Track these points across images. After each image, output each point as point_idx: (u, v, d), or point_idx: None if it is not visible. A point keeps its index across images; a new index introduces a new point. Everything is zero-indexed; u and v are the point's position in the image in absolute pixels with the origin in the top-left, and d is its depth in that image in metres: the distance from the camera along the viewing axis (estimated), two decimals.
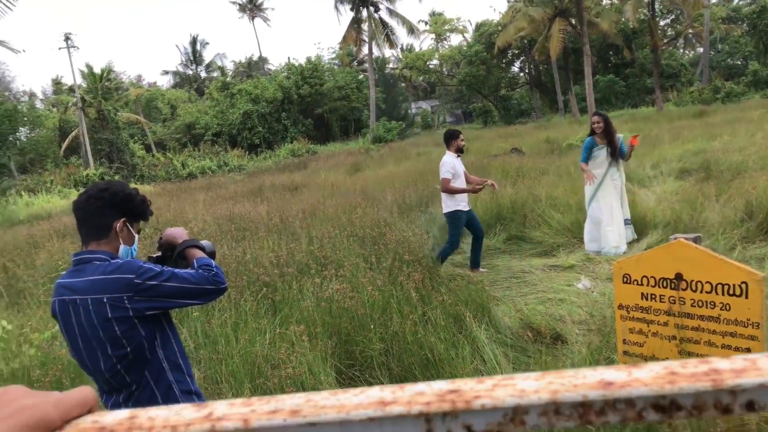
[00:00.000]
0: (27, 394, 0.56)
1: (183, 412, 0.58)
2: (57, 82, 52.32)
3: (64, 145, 38.61)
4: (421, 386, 0.58)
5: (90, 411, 0.59)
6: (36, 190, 26.33)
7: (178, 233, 2.53)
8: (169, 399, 2.31)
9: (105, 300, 2.17)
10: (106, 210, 2.27)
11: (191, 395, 2.39)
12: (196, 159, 36.24)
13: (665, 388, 0.53)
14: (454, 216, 7.03)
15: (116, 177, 31.14)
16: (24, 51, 50.82)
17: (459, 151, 7.17)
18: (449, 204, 7.03)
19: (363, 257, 6.50)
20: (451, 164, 6.96)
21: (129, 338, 2.22)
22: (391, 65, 58.33)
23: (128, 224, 2.31)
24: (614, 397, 0.54)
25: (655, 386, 0.54)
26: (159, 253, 2.53)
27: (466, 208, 7.08)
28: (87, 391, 0.60)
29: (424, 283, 5.72)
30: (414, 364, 4.41)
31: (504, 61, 50.08)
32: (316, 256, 6.72)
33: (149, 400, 2.30)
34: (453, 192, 6.93)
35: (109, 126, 36.05)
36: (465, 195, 7.04)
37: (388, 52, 58.30)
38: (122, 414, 0.58)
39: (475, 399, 0.55)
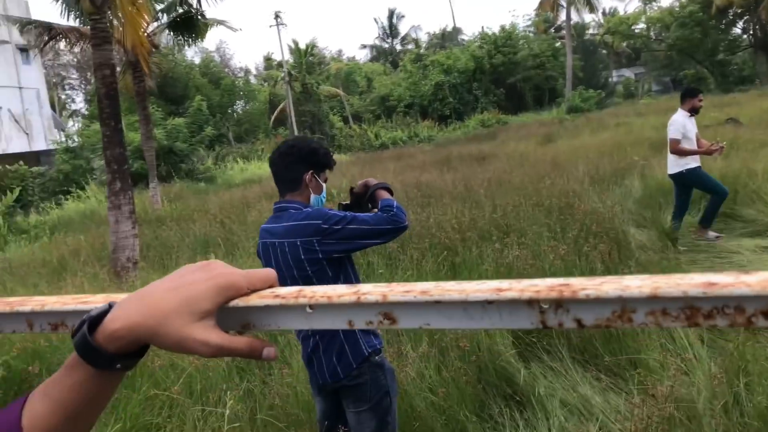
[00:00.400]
0: (225, 266, 0.72)
1: (338, 289, 0.70)
2: (268, 58, 56.87)
3: (273, 117, 42.12)
4: (536, 280, 0.65)
5: (270, 287, 0.74)
6: (249, 157, 29.11)
7: (371, 180, 2.75)
8: (349, 336, 2.54)
9: (298, 243, 2.45)
10: (296, 164, 2.54)
11: (368, 334, 2.60)
12: (389, 130, 37.57)
13: None
14: (692, 173, 6.67)
15: None
16: (241, 29, 55.79)
17: (693, 111, 6.72)
18: (679, 163, 6.66)
19: (547, 226, 6.41)
20: (680, 123, 6.55)
21: (319, 278, 2.48)
22: (590, 31, 55.32)
23: (315, 175, 2.56)
24: (715, 295, 0.57)
25: (758, 288, 0.56)
26: (348, 201, 2.77)
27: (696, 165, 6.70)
28: (270, 272, 0.74)
29: (611, 256, 5.52)
30: (595, 336, 4.31)
31: (723, 21, 45.01)
32: (499, 223, 6.75)
33: (333, 335, 2.54)
34: (682, 153, 6.53)
35: (312, 99, 38.64)
36: (696, 156, 6.63)
37: (587, 17, 55.19)
38: (293, 288, 0.72)
39: (582, 290, 0.61)
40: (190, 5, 15.22)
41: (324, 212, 2.44)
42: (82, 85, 54.30)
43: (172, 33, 16.01)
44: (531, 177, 9.92)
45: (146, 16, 11.84)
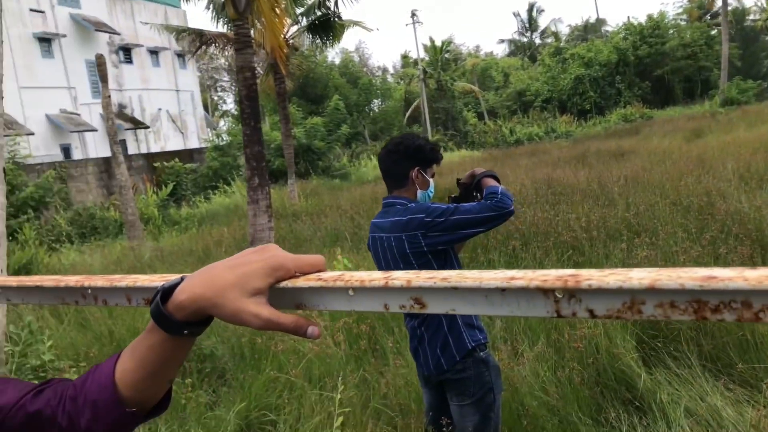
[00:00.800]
0: (278, 250, 0.81)
1: (373, 274, 0.77)
2: (404, 56, 57.64)
3: (407, 114, 42.69)
4: (548, 271, 0.67)
5: (318, 271, 0.81)
6: None
7: (477, 169, 2.74)
8: (452, 329, 2.58)
9: (403, 237, 2.52)
10: (402, 161, 2.60)
11: (473, 329, 2.62)
12: (524, 126, 36.81)
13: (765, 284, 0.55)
14: None
15: (449, 143, 33.40)
16: (378, 29, 56.94)
17: None
18: None
19: (682, 227, 6.04)
20: None
21: (420, 264, 2.55)
22: (751, 17, 50.68)
23: (422, 171, 2.61)
24: (713, 288, 0.57)
25: (755, 282, 0.56)
26: (457, 194, 2.80)
27: None
28: (319, 258, 0.82)
29: (752, 260, 5.11)
30: (729, 344, 4.03)
31: None
32: (630, 223, 6.46)
33: (437, 327, 2.60)
34: None
35: (446, 95, 38.70)
36: None
37: (749, 1, 50.68)
38: (335, 273, 0.80)
39: (586, 280, 0.63)
40: (328, 8, 15.83)
41: (426, 206, 2.50)
42: (233, 87, 58.07)
43: (310, 35, 16.73)
44: (671, 175, 9.34)
45: (286, 20, 12.48)
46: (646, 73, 43.30)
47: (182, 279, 0.80)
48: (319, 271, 0.81)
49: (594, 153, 16.15)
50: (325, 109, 27.99)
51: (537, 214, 7.18)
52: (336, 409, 3.05)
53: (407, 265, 2.56)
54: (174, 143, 32.24)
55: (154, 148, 30.08)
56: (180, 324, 0.77)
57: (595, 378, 3.72)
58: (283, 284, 0.79)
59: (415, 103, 42.19)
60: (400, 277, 0.74)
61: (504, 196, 2.50)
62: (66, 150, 25.85)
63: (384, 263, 2.66)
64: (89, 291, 1.02)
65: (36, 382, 0.88)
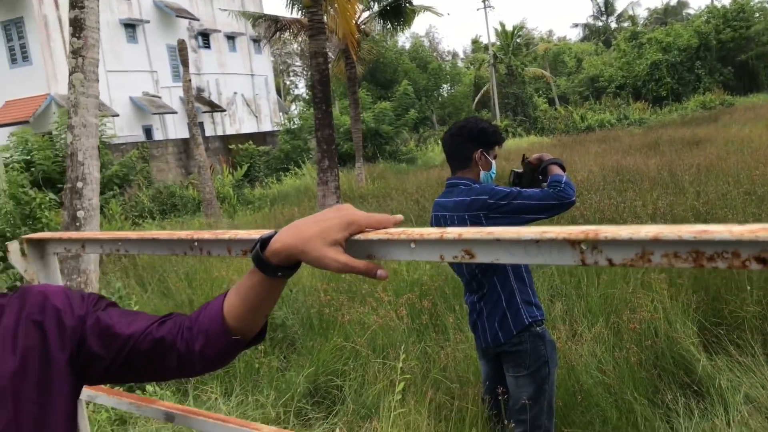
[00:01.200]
0: (352, 208, 0.98)
1: (431, 229, 0.93)
2: (475, 41, 56.99)
3: (476, 99, 42.33)
4: (573, 227, 0.82)
5: (385, 228, 0.98)
6: None
7: (546, 155, 2.82)
8: (510, 305, 2.71)
9: (466, 217, 2.66)
10: (465, 143, 2.73)
11: (530, 306, 2.74)
12: (596, 112, 35.87)
13: (757, 236, 0.67)
14: None
15: (518, 129, 32.98)
16: (449, 14, 56.60)
17: None
18: None
19: (754, 216, 5.91)
20: None
21: None
22: None
23: (485, 153, 2.73)
24: (704, 239, 0.71)
25: (737, 234, 0.69)
26: (521, 170, 2.89)
27: None
28: (387, 216, 0.99)
29: None
30: None
31: None
32: (698, 211, 6.36)
33: (496, 302, 2.73)
34: None
35: (516, 81, 38.13)
36: None
37: None
38: (399, 229, 0.96)
39: (603, 233, 0.78)
40: None
41: (490, 188, 2.62)
42: (304, 72, 58.99)
43: (381, 21, 16.89)
44: (748, 163, 9.04)
45: (358, 6, 12.68)
46: (728, 58, 41.31)
47: (276, 232, 0.99)
48: (386, 228, 0.99)
49: (667, 141, 15.69)
50: (394, 94, 28.16)
51: (603, 201, 7.14)
52: (398, 376, 3.24)
53: None
54: (248, 126, 33.17)
55: (230, 131, 31.06)
56: (275, 267, 0.97)
57: (653, 361, 3.77)
58: (357, 237, 0.97)
59: (484, 88, 41.76)
60: (453, 231, 0.90)
61: (567, 186, 2.58)
62: (147, 131, 27.06)
63: None
64: (196, 243, 1.23)
65: None
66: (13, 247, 1.46)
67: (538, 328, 2.72)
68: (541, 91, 44.78)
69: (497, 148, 2.81)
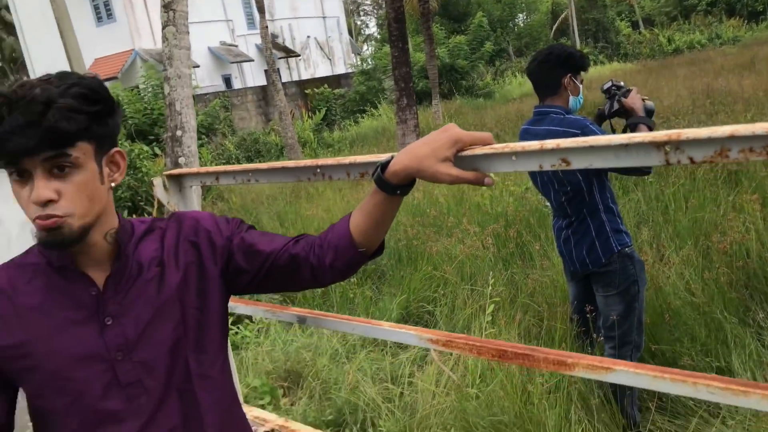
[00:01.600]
0: (456, 128, 1.13)
1: (531, 142, 1.07)
2: None
3: (554, 28, 40.63)
4: (658, 132, 0.94)
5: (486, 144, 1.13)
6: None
7: (638, 105, 2.77)
8: (600, 234, 2.79)
9: None
10: (553, 70, 2.77)
11: (620, 233, 2.81)
12: (685, 33, 33.76)
13: None
14: None
15: (600, 56, 31.60)
16: None
17: None
18: None
19: None
20: None
21: (569, 180, 2.76)
22: None
23: (573, 78, 2.77)
24: None
25: None
26: (607, 108, 2.87)
27: None
28: (488, 134, 1.14)
29: None
30: None
31: None
32: None
33: (585, 232, 2.82)
34: None
35: (597, 5, 36.27)
36: None
37: None
38: (501, 144, 1.11)
39: (684, 134, 0.90)
40: None
41: (584, 124, 2.64)
42: (375, 11, 58.19)
43: None
44: None
45: None
46: None
47: (392, 157, 1.15)
48: (488, 144, 1.13)
49: (764, 58, 14.73)
50: (468, 27, 27.48)
51: (692, 125, 6.92)
52: (487, 300, 3.42)
53: (556, 172, 2.78)
54: (322, 70, 33.36)
55: (305, 76, 31.35)
56: (394, 186, 1.14)
57: (744, 281, 3.77)
58: (463, 153, 1.12)
59: (562, 15, 39.93)
60: (551, 142, 1.04)
61: None
62: (227, 80, 27.75)
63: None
64: (319, 169, 1.42)
65: None
66: (157, 181, 1.71)
67: (627, 249, 2.80)
68: (623, 15, 42.41)
69: (583, 74, 2.84)
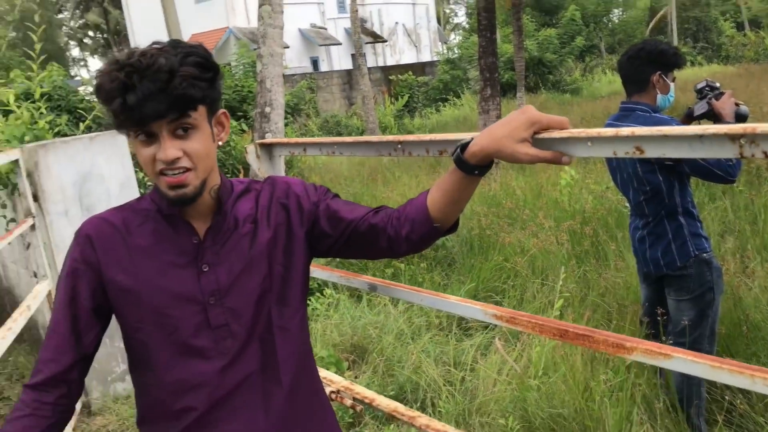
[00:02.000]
0: (534, 109, 1.17)
1: (606, 129, 1.10)
2: None
3: (650, 25, 39.04)
4: (735, 125, 0.96)
5: (563, 128, 1.16)
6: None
7: (728, 110, 2.67)
8: (677, 237, 2.73)
9: None
10: (643, 66, 2.71)
11: (699, 238, 2.74)
12: None
13: None
14: None
15: (698, 57, 30.19)
16: None
17: None
18: None
19: None
20: None
21: (648, 180, 2.71)
22: None
23: (663, 76, 2.70)
24: None
25: None
26: (696, 111, 2.78)
27: None
28: (565, 118, 1.17)
29: None
30: None
31: None
32: None
33: (661, 234, 2.77)
34: None
35: (700, 3, 34.60)
36: None
37: None
38: (578, 129, 1.14)
39: (760, 128, 0.91)
40: None
41: (668, 123, 2.61)
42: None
43: None
44: None
45: None
46: None
47: (472, 138, 1.21)
48: (564, 128, 1.17)
49: None
50: (559, 20, 26.81)
51: None
52: (557, 296, 3.41)
53: (635, 171, 2.74)
54: (408, 56, 33.41)
55: (390, 62, 31.51)
56: (473, 166, 1.20)
57: None
58: (541, 135, 1.16)
59: (661, 12, 38.30)
60: (626, 129, 1.07)
61: (738, 165, 2.52)
62: (314, 62, 28.28)
63: (617, 167, 2.87)
64: (400, 145, 1.49)
65: None
66: (251, 149, 1.83)
67: (705, 255, 2.73)
68: (728, 15, 40.24)
69: (676, 71, 2.77)
